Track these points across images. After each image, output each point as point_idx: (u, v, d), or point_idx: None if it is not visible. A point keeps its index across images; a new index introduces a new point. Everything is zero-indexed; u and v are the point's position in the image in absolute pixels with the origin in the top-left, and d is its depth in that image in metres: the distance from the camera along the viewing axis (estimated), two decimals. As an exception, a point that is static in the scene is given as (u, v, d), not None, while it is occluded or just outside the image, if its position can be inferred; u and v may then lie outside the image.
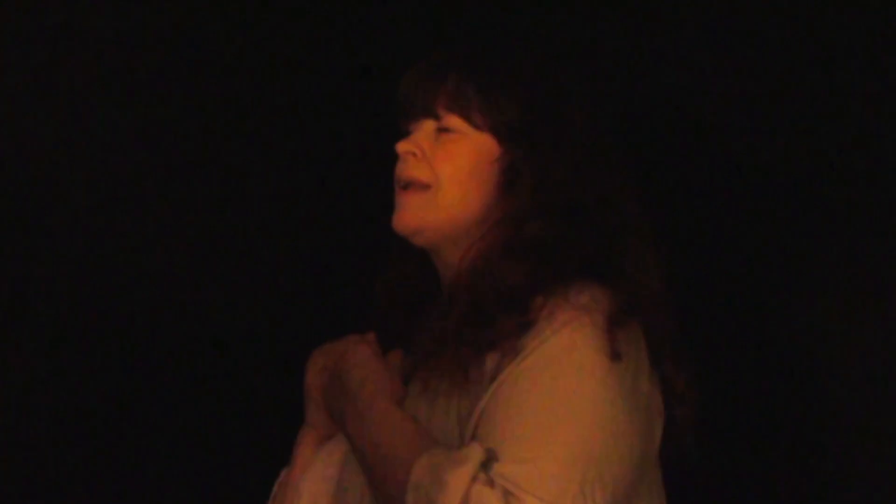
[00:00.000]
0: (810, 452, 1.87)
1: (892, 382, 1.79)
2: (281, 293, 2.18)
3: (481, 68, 1.58)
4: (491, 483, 1.31)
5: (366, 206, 1.90)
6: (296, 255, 2.21)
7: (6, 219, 2.01)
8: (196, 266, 2.14)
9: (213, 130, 2.17)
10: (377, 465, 1.42)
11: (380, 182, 1.64)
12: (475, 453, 1.33)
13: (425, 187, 1.55)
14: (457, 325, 1.46)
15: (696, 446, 1.50)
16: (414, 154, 1.57)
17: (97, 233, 2.07)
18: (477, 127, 1.55)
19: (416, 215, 1.55)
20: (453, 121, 1.56)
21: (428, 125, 1.58)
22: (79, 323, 2.05)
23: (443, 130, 1.57)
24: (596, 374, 1.39)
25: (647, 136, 1.97)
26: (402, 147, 1.57)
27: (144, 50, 2.12)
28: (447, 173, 1.54)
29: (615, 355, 1.40)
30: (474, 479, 1.31)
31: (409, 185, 1.56)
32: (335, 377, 1.53)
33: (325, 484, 1.53)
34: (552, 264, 1.48)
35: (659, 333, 1.48)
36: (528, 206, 1.52)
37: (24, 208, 2.02)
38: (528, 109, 1.56)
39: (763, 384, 1.90)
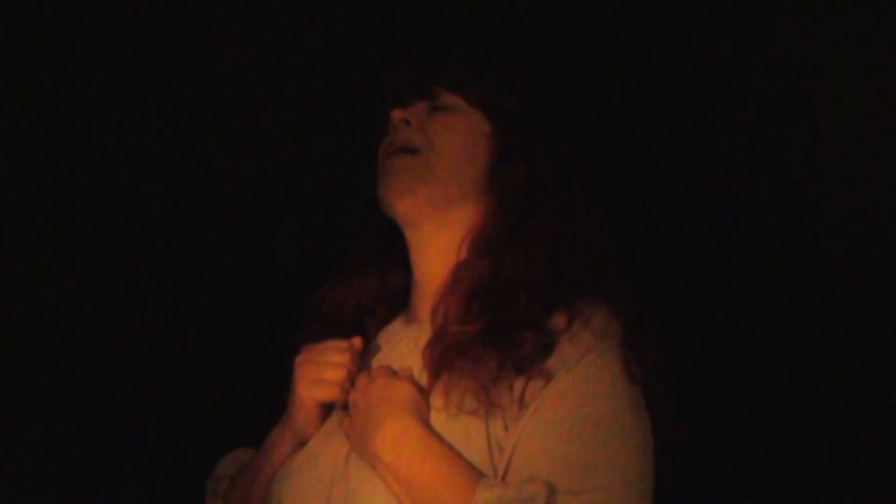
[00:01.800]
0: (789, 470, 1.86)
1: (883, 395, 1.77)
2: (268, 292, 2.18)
3: (482, 57, 1.63)
4: None
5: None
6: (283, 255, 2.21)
7: (6, 218, 2.02)
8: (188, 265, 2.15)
9: (211, 129, 2.17)
10: (423, 493, 1.40)
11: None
12: (540, 490, 1.34)
13: (416, 152, 1.54)
14: (481, 337, 1.44)
15: (674, 466, 1.50)
16: (408, 122, 1.55)
17: (92, 232, 2.08)
18: (473, 105, 1.56)
19: (405, 179, 1.52)
20: (450, 98, 1.57)
21: (422, 104, 1.58)
22: (72, 322, 2.05)
23: (438, 108, 1.57)
24: (625, 400, 1.41)
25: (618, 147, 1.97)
26: (397, 114, 1.56)
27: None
28: (440, 141, 1.53)
29: (634, 380, 1.43)
30: None
31: (399, 150, 1.54)
32: (359, 399, 1.49)
33: (312, 486, 1.51)
34: (566, 264, 1.49)
35: (645, 352, 1.47)
36: (522, 199, 1.52)
37: (22, 207, 2.03)
38: (525, 101, 1.58)
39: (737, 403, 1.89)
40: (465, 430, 1.41)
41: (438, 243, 1.55)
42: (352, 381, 1.52)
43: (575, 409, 1.38)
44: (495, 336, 1.43)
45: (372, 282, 1.65)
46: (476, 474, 1.38)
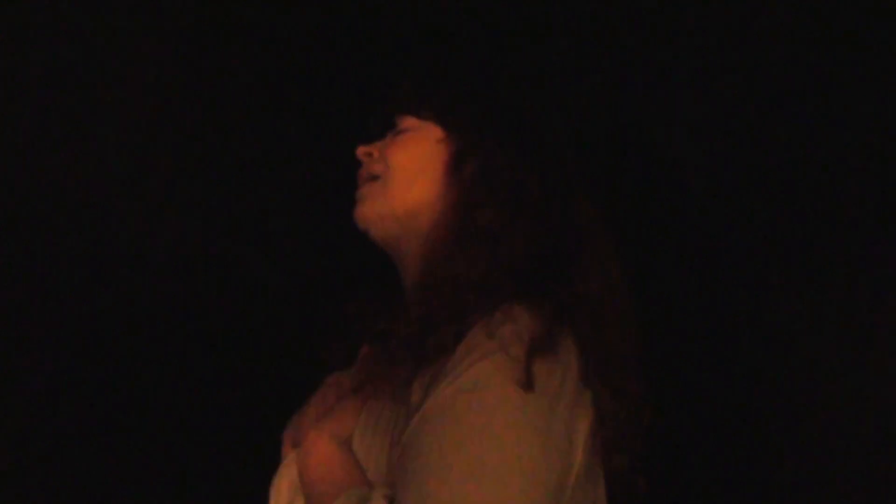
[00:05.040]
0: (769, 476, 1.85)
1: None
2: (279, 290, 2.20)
3: (430, 71, 1.73)
4: None
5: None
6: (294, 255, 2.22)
7: (6, 217, 2.02)
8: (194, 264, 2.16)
9: (214, 128, 2.18)
10: (308, 499, 1.48)
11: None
12: (377, 500, 1.37)
13: (377, 178, 1.62)
14: (403, 336, 1.47)
15: (622, 467, 1.49)
16: (370, 155, 1.65)
17: (94, 231, 2.09)
18: (424, 118, 1.63)
19: (369, 205, 1.61)
20: (407, 122, 1.64)
21: (387, 137, 1.66)
22: (75, 321, 2.06)
23: (397, 133, 1.65)
24: (504, 413, 1.34)
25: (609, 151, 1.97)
26: (360, 151, 1.67)
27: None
28: (395, 160, 1.61)
29: (529, 387, 1.35)
30: None
31: (364, 181, 1.64)
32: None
33: (284, 486, 1.56)
34: (506, 257, 1.49)
35: (599, 348, 1.45)
36: (474, 193, 1.55)
37: (23, 204, 2.04)
38: (471, 100, 1.65)
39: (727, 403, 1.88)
40: (378, 430, 1.47)
41: (413, 254, 1.58)
42: None
43: (440, 425, 1.34)
44: (411, 336, 1.46)
45: (379, 308, 1.64)
46: (352, 486, 1.42)
